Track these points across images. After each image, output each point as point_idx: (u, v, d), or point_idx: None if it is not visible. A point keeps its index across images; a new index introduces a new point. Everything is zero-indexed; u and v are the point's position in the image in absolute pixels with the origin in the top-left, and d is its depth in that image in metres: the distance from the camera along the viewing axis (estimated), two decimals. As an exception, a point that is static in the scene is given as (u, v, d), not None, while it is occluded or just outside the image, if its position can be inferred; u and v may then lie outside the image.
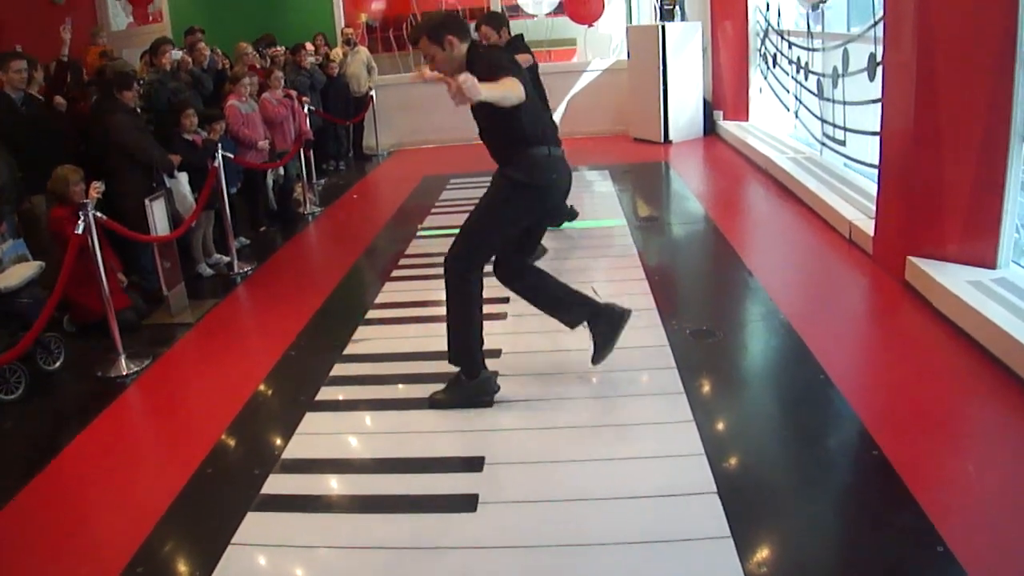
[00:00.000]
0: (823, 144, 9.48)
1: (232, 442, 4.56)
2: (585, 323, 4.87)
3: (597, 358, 4.82)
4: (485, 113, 4.46)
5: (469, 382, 4.73)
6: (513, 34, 7.35)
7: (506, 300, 5.89)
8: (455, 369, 4.77)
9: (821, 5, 9.30)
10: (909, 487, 3.60)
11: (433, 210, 9.65)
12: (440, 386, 4.80)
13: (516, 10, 14.17)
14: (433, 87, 5.13)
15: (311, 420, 4.69)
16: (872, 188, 7.21)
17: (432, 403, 4.75)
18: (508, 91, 4.18)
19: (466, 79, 3.88)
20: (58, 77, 7.75)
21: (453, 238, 4.62)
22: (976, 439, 4.18)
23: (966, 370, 4.75)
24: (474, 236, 4.60)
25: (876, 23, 7.22)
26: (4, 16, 12.06)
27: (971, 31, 5.39)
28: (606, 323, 4.81)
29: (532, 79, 5.38)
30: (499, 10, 7.36)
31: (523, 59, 6.10)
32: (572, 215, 7.68)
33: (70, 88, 7.81)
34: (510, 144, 4.53)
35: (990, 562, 3.13)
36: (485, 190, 4.68)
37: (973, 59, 5.40)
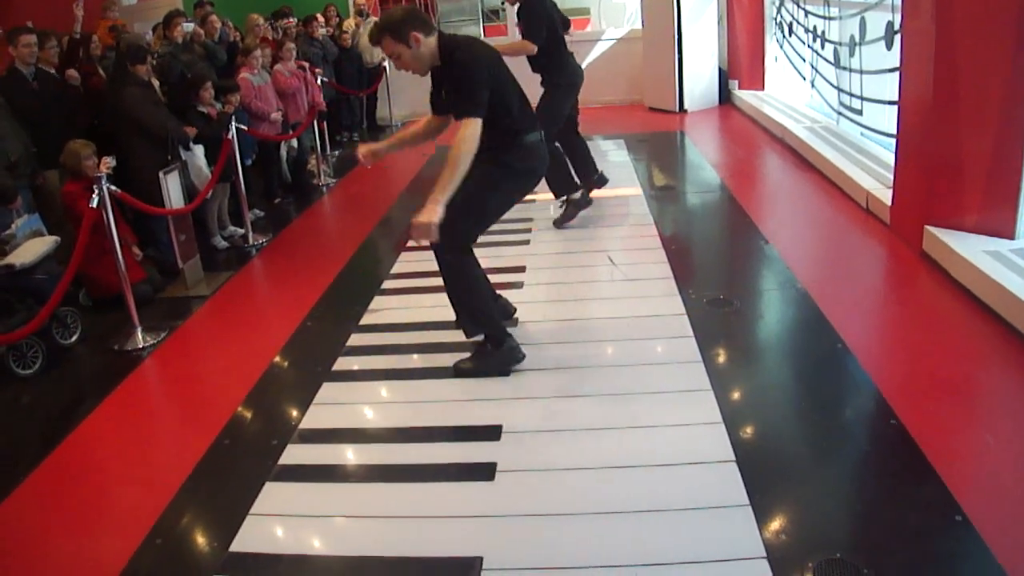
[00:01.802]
0: (839, 113, 9.42)
1: (249, 413, 4.57)
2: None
3: (463, 365, 4.76)
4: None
5: (496, 351, 4.70)
6: None
7: (522, 269, 5.89)
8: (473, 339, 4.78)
9: (838, -28, 9.22)
10: (927, 456, 3.59)
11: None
12: (457, 355, 4.81)
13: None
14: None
15: (328, 390, 4.70)
16: (889, 158, 7.16)
17: (457, 371, 4.73)
18: (462, 159, 4.16)
19: (419, 229, 4.09)
20: (71, 53, 7.73)
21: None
22: (994, 409, 4.15)
23: (984, 340, 4.72)
24: (466, 221, 4.46)
25: (895, -10, 7.16)
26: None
27: (991, -1, 5.33)
28: (503, 355, 4.72)
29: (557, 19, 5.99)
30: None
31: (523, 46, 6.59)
32: (602, 180, 7.64)
33: (82, 63, 7.80)
34: (505, 134, 4.49)
35: (1009, 531, 3.12)
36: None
37: (992, 27, 5.33)
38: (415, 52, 4.33)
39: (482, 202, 4.52)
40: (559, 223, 7.17)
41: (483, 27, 15.48)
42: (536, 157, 4.67)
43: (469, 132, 4.16)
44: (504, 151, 4.52)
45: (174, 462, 4.09)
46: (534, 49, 6.61)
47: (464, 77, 4.28)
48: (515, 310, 5.32)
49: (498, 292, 5.14)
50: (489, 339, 4.73)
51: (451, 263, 4.57)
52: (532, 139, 4.60)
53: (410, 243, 4.29)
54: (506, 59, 4.60)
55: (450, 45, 4.39)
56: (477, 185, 4.38)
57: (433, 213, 4.07)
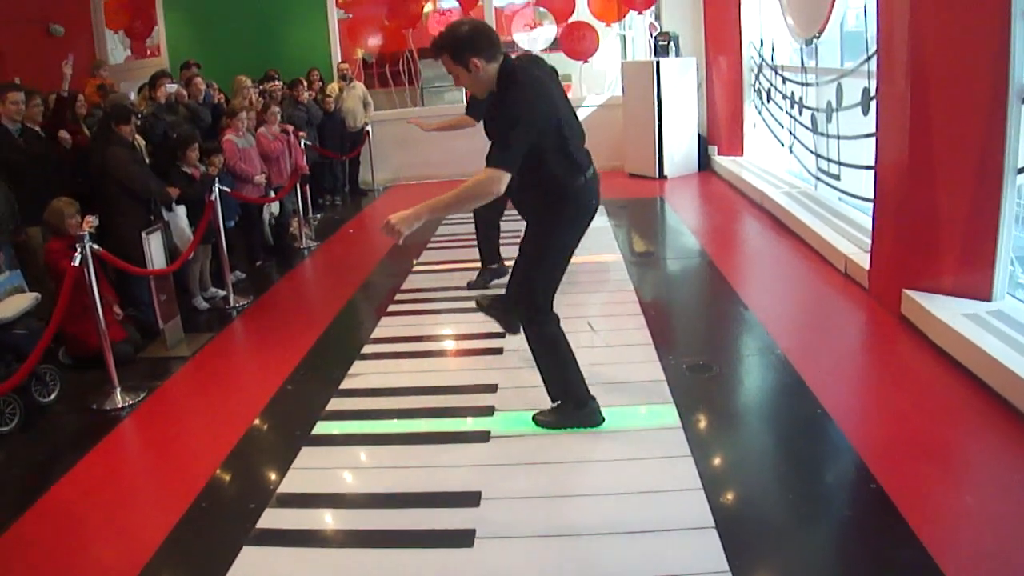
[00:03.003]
0: (817, 178, 9.53)
1: (227, 476, 4.54)
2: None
3: (543, 418, 4.78)
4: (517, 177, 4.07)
5: (577, 412, 4.69)
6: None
7: (502, 335, 5.89)
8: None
9: (815, 40, 9.36)
10: (908, 521, 3.59)
11: (429, 245, 9.64)
12: (436, 420, 4.88)
13: (512, 46, 14.24)
14: (432, 121, 5.14)
15: (307, 454, 4.67)
16: (867, 222, 7.24)
17: (538, 422, 4.74)
18: (464, 199, 4.08)
19: (388, 227, 4.05)
20: (57, 111, 7.76)
21: (512, 284, 4.61)
22: (975, 471, 4.17)
23: (963, 403, 4.74)
24: (534, 280, 4.46)
25: (869, 58, 7.29)
26: (3, 47, 12.11)
27: (964, 65, 5.43)
28: (585, 415, 4.70)
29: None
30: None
31: None
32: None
33: (68, 121, 7.83)
34: (545, 186, 4.28)
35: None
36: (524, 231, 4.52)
37: (967, 92, 5.44)
38: (474, 76, 4.12)
39: (546, 259, 4.44)
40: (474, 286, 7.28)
41: (465, 92, 15.54)
42: (587, 199, 4.40)
43: (487, 180, 3.95)
44: (556, 202, 4.32)
45: (151, 524, 4.04)
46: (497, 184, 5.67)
47: (507, 123, 4.01)
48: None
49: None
50: (572, 401, 4.69)
51: (537, 335, 4.57)
52: (578, 184, 4.31)
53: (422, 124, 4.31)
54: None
55: (507, 79, 4.12)
56: (536, 242, 4.42)
57: (407, 221, 4.01)
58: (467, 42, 4.05)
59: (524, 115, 4.00)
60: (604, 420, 4.70)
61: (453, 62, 4.11)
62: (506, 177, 3.93)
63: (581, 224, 4.46)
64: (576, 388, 4.68)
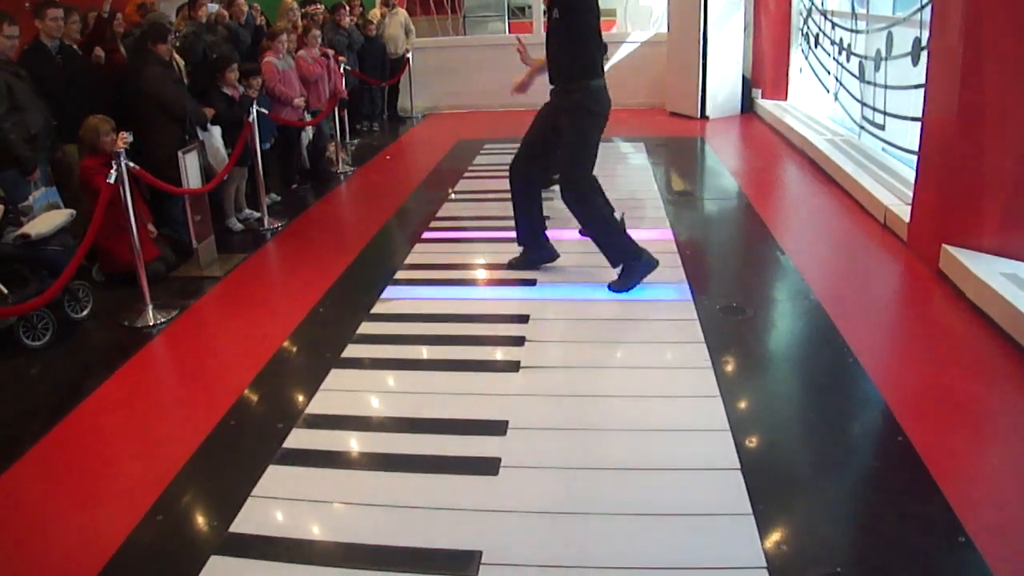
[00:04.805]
0: (862, 127, 9.38)
1: (256, 395, 4.58)
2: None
3: (617, 285, 5.71)
4: (554, 39, 5.48)
5: (637, 263, 5.67)
6: None
7: (537, 268, 5.90)
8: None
9: (867, -15, 9.18)
10: (933, 475, 3.56)
11: (466, 174, 9.63)
12: (467, 348, 4.93)
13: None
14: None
15: (336, 377, 4.69)
16: (909, 174, 7.14)
17: (614, 289, 5.69)
18: None
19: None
20: (97, 30, 7.73)
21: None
22: (1003, 431, 4.12)
23: (996, 361, 4.69)
24: (571, 162, 5.59)
25: (923, 7, 7.13)
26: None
27: (1019, 18, 5.29)
28: (644, 264, 5.69)
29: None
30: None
31: None
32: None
33: (107, 40, 7.80)
34: (573, 67, 5.47)
35: (1012, 556, 3.10)
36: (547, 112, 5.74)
37: (1020, 47, 5.31)
38: None
39: (581, 146, 5.57)
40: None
41: (508, 23, 15.47)
42: (604, 101, 5.59)
43: None
44: (579, 93, 5.49)
45: (179, 440, 4.10)
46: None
47: None
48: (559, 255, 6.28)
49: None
50: (630, 256, 5.68)
51: (588, 210, 5.64)
52: (600, 84, 5.49)
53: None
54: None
55: None
56: (570, 135, 5.53)
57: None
58: None
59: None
60: (658, 263, 5.75)
61: None
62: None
63: (602, 121, 5.63)
64: (629, 246, 5.71)
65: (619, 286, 5.67)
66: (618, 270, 5.76)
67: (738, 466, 3.65)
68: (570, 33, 5.39)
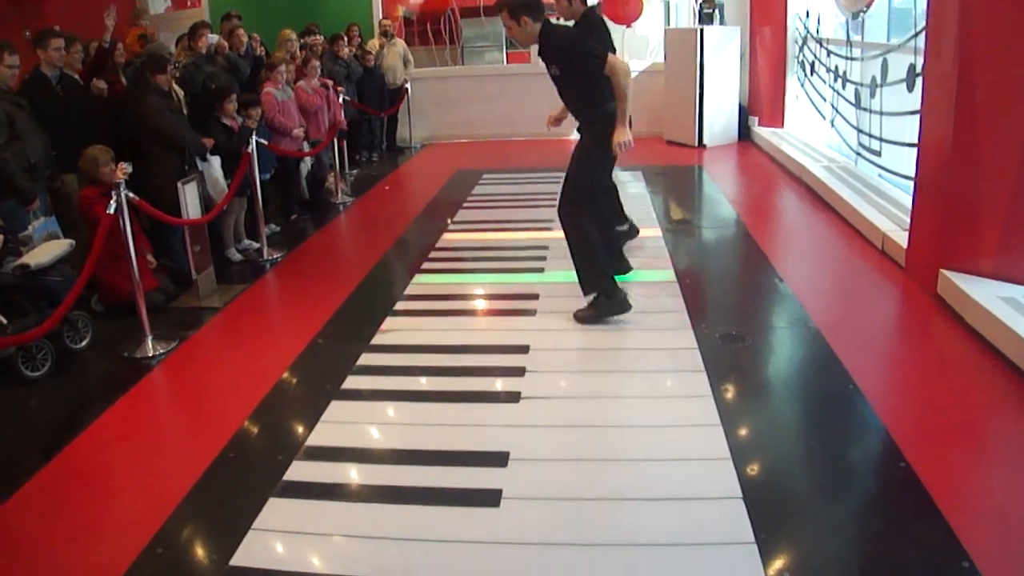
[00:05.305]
0: (858, 154, 9.42)
1: (256, 427, 4.57)
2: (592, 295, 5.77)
3: (582, 314, 5.73)
4: (562, 81, 5.61)
5: (608, 302, 5.68)
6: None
7: (536, 297, 5.90)
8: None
9: (861, 14, 9.23)
10: (935, 500, 3.56)
11: (465, 204, 9.64)
12: (466, 379, 4.90)
13: (553, 10, 14.13)
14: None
15: (336, 408, 4.69)
16: (906, 200, 7.16)
17: (578, 319, 5.70)
18: (627, 87, 5.26)
19: (620, 144, 5.28)
20: (98, 61, 7.76)
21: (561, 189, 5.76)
22: (1004, 455, 4.12)
23: (996, 385, 4.69)
24: (574, 183, 5.69)
25: (917, 34, 7.18)
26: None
27: (1013, 44, 5.32)
28: (616, 304, 5.69)
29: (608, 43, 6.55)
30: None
31: None
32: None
33: (108, 70, 7.84)
34: (584, 102, 5.67)
35: (1017, 580, 3.10)
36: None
37: (1015, 72, 5.33)
38: (522, 29, 5.39)
39: (587, 170, 5.74)
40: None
41: (506, 53, 15.52)
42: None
43: (620, 65, 5.24)
44: (594, 120, 5.62)
45: (178, 472, 4.08)
46: (626, 67, 5.42)
47: (572, 46, 5.46)
48: (632, 268, 6.56)
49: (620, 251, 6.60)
50: (602, 292, 5.68)
51: (574, 224, 5.65)
52: (612, 108, 5.41)
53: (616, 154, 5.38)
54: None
55: (546, 31, 5.43)
56: (581, 159, 5.74)
57: (623, 133, 5.29)
58: (523, 4, 5.33)
59: (576, 38, 5.60)
60: (632, 307, 5.70)
61: (509, 17, 5.38)
62: (616, 58, 5.33)
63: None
64: (605, 281, 5.71)
65: (583, 317, 5.71)
66: (589, 299, 5.77)
67: (740, 495, 3.64)
68: (575, 80, 5.53)
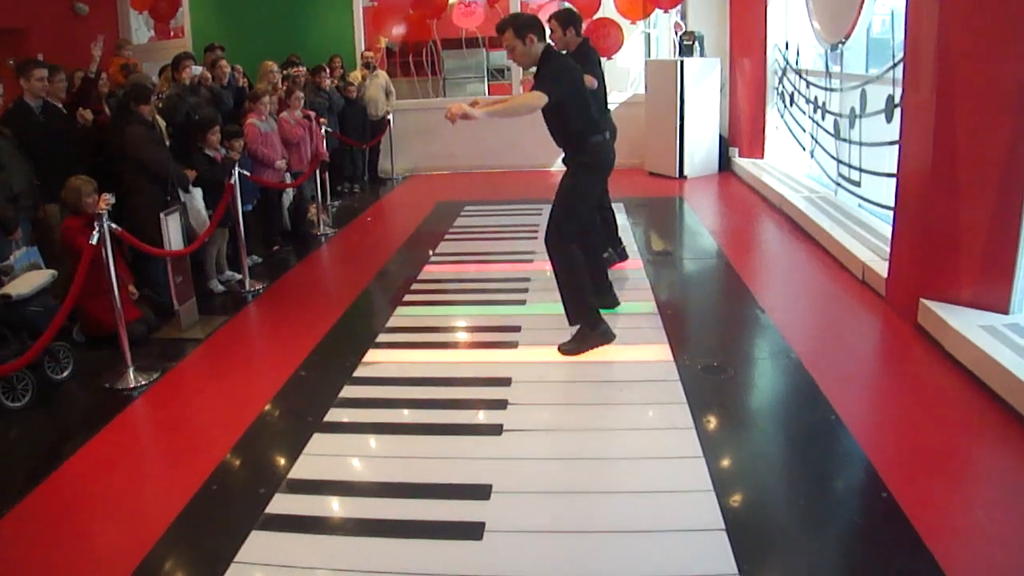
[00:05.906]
0: (838, 184, 9.48)
1: (238, 460, 4.55)
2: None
3: (567, 347, 5.77)
4: (547, 115, 5.63)
5: (592, 332, 5.76)
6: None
7: (517, 329, 5.91)
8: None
9: (840, 46, 9.32)
10: (918, 531, 3.57)
11: (447, 236, 9.64)
12: (448, 412, 4.90)
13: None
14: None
15: (319, 441, 4.67)
16: (886, 230, 7.21)
17: (562, 352, 5.73)
18: (516, 105, 5.61)
19: (452, 111, 5.08)
20: (82, 90, 7.76)
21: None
22: (987, 485, 4.14)
23: (978, 415, 4.72)
24: (561, 213, 5.73)
25: (895, 65, 7.26)
26: (27, 25, 12.16)
27: (990, 75, 5.40)
28: (598, 335, 5.78)
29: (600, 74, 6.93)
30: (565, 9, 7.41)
31: (588, 81, 6.38)
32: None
33: (92, 100, 7.83)
34: (569, 136, 5.70)
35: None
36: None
37: (992, 103, 5.41)
38: (526, 49, 5.50)
39: (574, 201, 5.75)
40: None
41: (488, 85, 15.60)
42: (602, 154, 5.83)
43: (532, 97, 5.36)
44: (578, 153, 5.73)
45: (160, 505, 4.05)
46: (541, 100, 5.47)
47: (550, 76, 5.46)
48: (619, 303, 6.59)
49: (609, 284, 6.59)
50: (585, 324, 5.76)
51: (560, 254, 5.70)
52: (596, 140, 5.69)
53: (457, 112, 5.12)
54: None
55: (547, 56, 5.58)
56: (567, 190, 5.76)
57: (463, 109, 5.08)
58: (529, 24, 5.51)
59: (562, 75, 5.51)
60: (615, 337, 5.80)
61: (515, 35, 5.48)
62: (544, 99, 5.28)
63: (600, 173, 6.00)
64: (588, 312, 5.80)
65: (569, 350, 5.75)
66: (573, 330, 5.84)
67: (723, 526, 3.65)
68: (556, 112, 5.55)
